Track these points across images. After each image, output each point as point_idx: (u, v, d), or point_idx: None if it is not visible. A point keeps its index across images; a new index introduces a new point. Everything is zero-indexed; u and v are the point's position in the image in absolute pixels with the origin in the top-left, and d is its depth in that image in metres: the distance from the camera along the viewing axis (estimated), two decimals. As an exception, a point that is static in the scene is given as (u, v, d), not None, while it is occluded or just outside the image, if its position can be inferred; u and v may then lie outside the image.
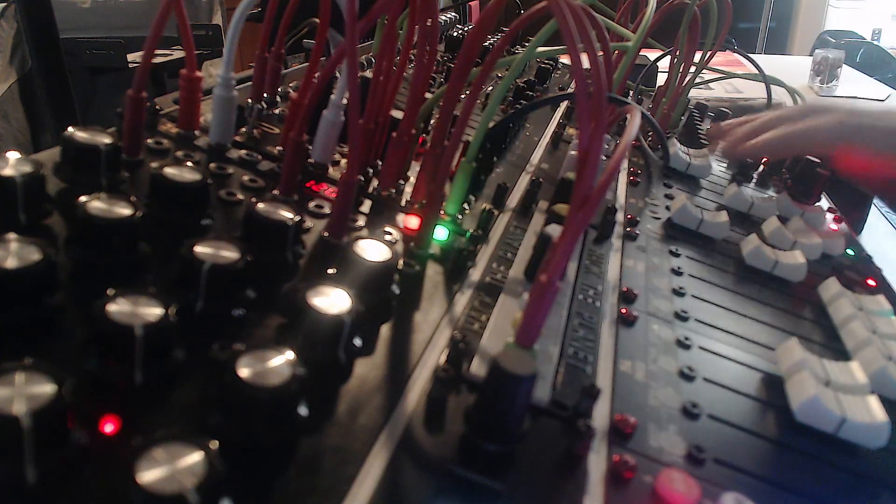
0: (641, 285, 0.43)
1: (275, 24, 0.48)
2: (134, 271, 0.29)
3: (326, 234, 0.37)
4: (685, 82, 0.82)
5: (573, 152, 0.62)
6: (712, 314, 0.43)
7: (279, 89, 0.53)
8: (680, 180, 0.68)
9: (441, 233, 0.40)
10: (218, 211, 0.36)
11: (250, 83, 0.51)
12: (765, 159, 0.75)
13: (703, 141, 0.79)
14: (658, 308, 0.41)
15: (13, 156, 0.29)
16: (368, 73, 0.46)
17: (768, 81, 0.94)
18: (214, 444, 0.20)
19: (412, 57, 0.42)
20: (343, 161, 0.47)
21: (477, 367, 0.30)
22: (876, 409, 0.34)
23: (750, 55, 0.97)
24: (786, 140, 0.63)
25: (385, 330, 0.31)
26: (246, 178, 0.41)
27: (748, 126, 0.68)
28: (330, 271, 0.31)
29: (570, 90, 0.86)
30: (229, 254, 0.28)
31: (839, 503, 0.31)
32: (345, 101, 0.43)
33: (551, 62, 0.96)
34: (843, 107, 0.63)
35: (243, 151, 0.44)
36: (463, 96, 0.53)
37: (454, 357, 0.30)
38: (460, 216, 0.43)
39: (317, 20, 0.44)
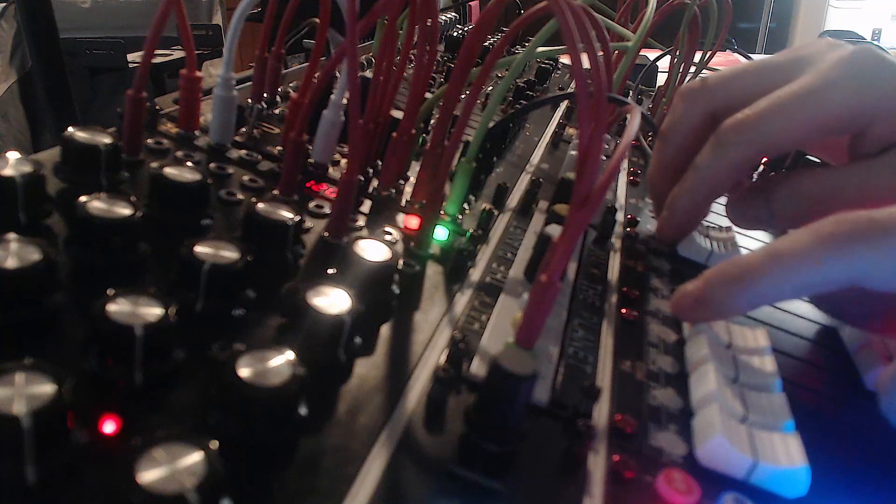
0: (642, 285, 0.43)
1: (275, 24, 0.48)
2: (134, 271, 0.29)
3: (326, 234, 0.37)
4: (685, 82, 0.82)
5: (573, 152, 0.62)
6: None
7: (279, 89, 0.53)
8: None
9: (441, 233, 0.40)
10: (218, 211, 0.36)
11: (250, 83, 0.51)
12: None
13: None
14: (658, 308, 0.41)
15: (13, 156, 0.29)
16: (368, 73, 0.46)
17: (768, 81, 0.94)
18: (214, 444, 0.20)
19: (412, 57, 0.42)
20: (343, 161, 0.47)
21: (477, 367, 0.30)
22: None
23: (750, 55, 0.97)
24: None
25: (385, 330, 0.31)
26: (246, 178, 0.41)
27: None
28: (330, 271, 0.31)
29: (570, 90, 0.86)
30: (229, 254, 0.28)
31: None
32: (345, 101, 0.43)
33: (551, 62, 0.96)
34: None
35: (243, 151, 0.44)
36: (463, 96, 0.53)
37: (454, 357, 0.30)
38: (460, 216, 0.43)
39: (317, 20, 0.44)
